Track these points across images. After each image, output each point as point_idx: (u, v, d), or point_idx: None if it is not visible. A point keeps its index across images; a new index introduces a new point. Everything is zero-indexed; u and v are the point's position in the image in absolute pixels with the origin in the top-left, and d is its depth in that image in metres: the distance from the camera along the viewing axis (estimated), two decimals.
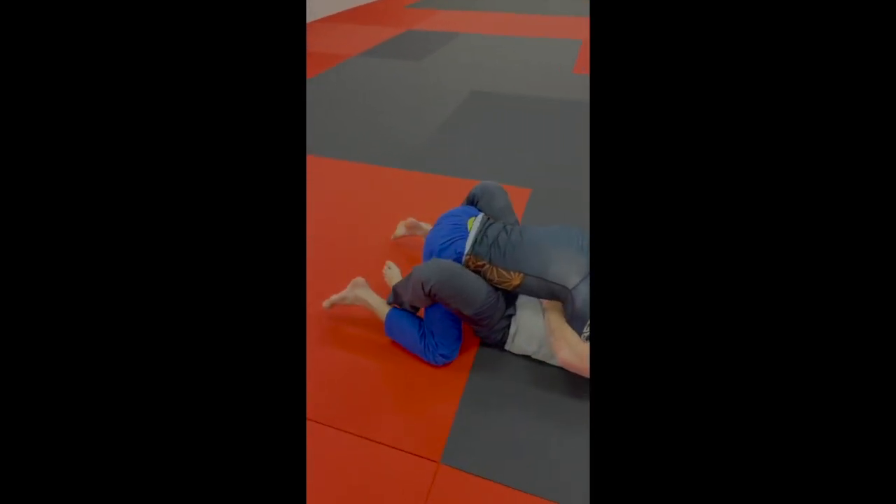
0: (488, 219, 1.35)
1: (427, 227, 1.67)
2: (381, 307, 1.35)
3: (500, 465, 1.07)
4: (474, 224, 1.30)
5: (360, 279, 1.39)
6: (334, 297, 1.39)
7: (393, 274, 1.54)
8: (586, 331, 1.18)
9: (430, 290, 1.16)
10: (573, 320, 1.16)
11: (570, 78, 3.59)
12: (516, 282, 1.20)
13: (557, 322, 1.19)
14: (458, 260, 1.24)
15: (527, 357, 1.32)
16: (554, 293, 1.18)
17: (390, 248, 1.74)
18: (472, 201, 1.46)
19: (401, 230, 1.71)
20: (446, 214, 1.38)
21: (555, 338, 1.17)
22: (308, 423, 1.14)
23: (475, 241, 1.25)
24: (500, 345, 1.32)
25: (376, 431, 1.13)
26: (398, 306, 1.33)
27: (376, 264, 1.63)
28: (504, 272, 1.21)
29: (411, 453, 1.09)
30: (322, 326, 1.40)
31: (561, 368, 1.27)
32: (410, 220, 1.67)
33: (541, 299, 1.27)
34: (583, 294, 1.14)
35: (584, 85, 3.43)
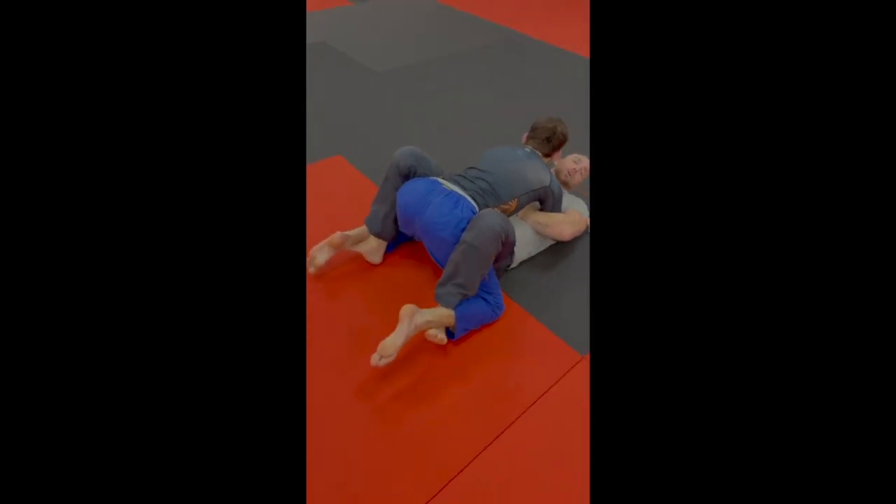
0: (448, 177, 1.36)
1: (354, 232, 1.43)
2: (446, 314, 1.21)
3: None
4: (451, 186, 1.31)
5: (410, 306, 1.16)
6: (398, 343, 1.12)
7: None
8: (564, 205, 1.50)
9: (507, 238, 1.20)
10: (555, 206, 1.46)
11: None
12: (514, 207, 1.36)
13: (545, 217, 1.46)
14: None
15: (519, 263, 1.53)
16: (538, 197, 1.42)
17: (329, 277, 1.40)
18: (410, 174, 1.38)
19: (322, 256, 1.37)
20: (422, 191, 1.29)
21: (551, 228, 1.45)
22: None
23: (473, 199, 1.28)
24: (506, 269, 1.48)
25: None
26: (464, 298, 1.23)
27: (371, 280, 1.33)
28: (503, 206, 1.34)
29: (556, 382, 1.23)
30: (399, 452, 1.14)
31: (551, 247, 1.57)
32: (336, 235, 1.37)
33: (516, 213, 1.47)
34: (555, 183, 1.43)
35: None
